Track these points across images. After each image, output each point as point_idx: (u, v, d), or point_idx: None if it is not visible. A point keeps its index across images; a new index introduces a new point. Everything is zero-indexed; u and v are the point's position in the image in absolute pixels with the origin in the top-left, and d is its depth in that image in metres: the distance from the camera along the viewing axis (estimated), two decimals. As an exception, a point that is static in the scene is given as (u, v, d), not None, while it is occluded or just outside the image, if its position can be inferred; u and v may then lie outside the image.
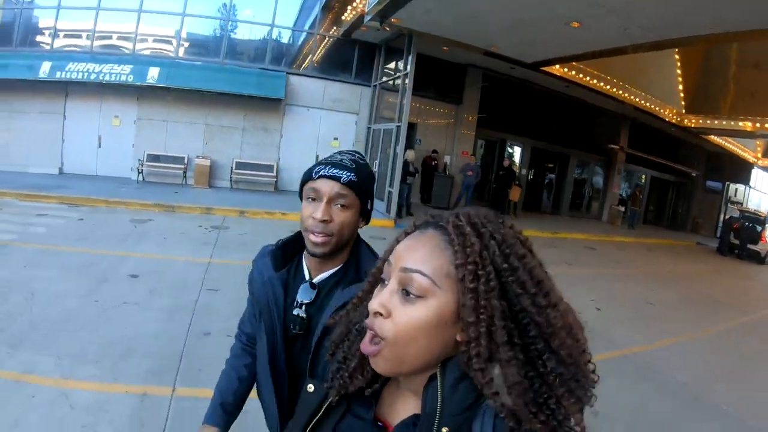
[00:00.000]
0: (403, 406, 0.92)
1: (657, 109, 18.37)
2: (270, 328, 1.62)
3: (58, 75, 13.23)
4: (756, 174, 28.36)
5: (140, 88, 13.89)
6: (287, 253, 1.66)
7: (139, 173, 14.18)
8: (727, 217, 22.52)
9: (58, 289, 5.71)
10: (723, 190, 27.09)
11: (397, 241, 0.92)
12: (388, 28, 12.29)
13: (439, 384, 0.84)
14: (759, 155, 26.00)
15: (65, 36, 14.79)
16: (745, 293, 12.55)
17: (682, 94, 18.81)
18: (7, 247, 7.23)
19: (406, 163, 12.97)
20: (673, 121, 19.26)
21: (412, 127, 14.64)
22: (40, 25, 14.86)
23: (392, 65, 15.19)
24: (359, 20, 12.83)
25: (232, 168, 14.48)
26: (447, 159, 16.68)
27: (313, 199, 1.52)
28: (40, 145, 14.11)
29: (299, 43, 16.04)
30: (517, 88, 17.13)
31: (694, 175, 25.72)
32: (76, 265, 6.62)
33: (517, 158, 20.20)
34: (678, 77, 18.27)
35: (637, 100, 17.35)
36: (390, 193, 12.61)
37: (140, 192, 12.39)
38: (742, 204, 26.38)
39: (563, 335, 0.81)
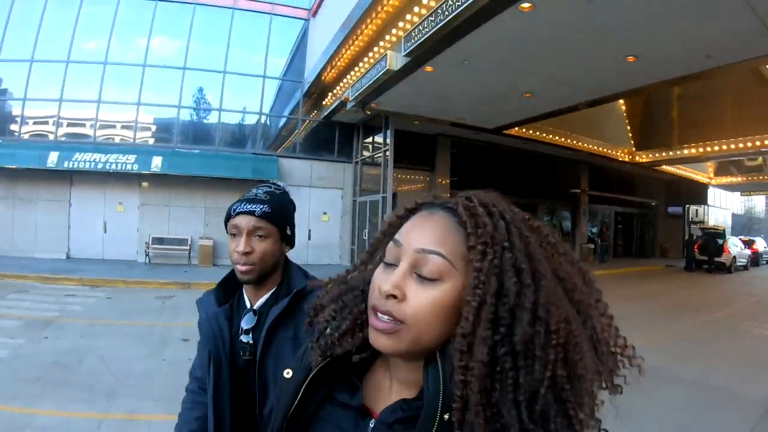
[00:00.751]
0: (388, 392, 0.90)
1: (609, 151, 20.40)
2: (215, 354, 1.73)
3: (66, 165, 14.36)
4: (712, 192, 30.46)
5: (142, 175, 15.15)
6: (228, 289, 1.81)
7: (146, 255, 15.25)
8: (688, 237, 24.40)
9: (126, 353, 6.43)
10: (684, 213, 29.07)
11: (399, 218, 0.90)
12: (368, 112, 14.03)
13: (440, 367, 0.80)
14: (711, 175, 28.30)
15: (68, 125, 16.03)
16: (707, 300, 14.26)
17: (630, 134, 20.96)
18: (55, 323, 8.01)
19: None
20: (626, 159, 21.33)
21: (393, 195, 16.22)
22: (42, 115, 15.96)
23: (370, 141, 16.88)
24: (340, 105, 14.54)
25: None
26: None
27: (234, 235, 1.69)
28: (47, 231, 15.11)
29: (285, 127, 17.71)
30: (483, 151, 18.81)
31: (653, 204, 27.71)
32: (131, 335, 7.40)
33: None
34: (625, 119, 20.44)
35: (590, 146, 19.30)
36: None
37: (152, 272, 13.38)
38: (704, 222, 28.32)
39: (558, 311, 0.75)
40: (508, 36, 8.33)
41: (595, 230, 24.55)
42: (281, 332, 1.63)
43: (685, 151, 20.22)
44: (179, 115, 16.56)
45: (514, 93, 11.78)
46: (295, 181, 16.42)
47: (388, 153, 14.21)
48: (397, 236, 0.86)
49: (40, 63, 15.67)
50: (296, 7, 17.69)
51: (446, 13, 7.74)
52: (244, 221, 1.66)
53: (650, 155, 21.41)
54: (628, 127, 20.93)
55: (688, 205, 29.14)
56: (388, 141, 14.35)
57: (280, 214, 1.72)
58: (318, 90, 16.27)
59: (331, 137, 17.22)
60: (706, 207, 30.51)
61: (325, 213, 16.86)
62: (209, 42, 17.05)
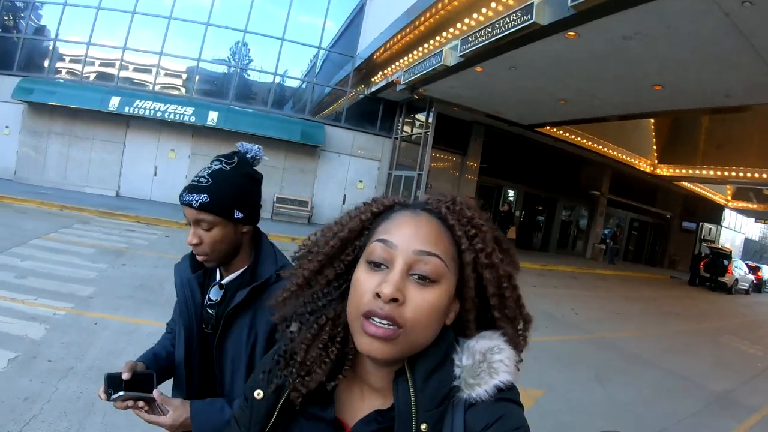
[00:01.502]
0: (361, 403, 0.91)
1: (632, 160, 21.70)
2: (188, 324, 1.71)
3: (126, 110, 15.99)
4: (729, 214, 31.51)
5: (195, 127, 16.66)
6: None
7: None
8: (696, 253, 25.64)
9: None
10: (697, 229, 30.28)
11: (361, 222, 0.93)
12: (415, 96, 15.43)
13: (409, 378, 0.84)
14: (729, 198, 29.37)
15: (130, 71, 17.59)
16: (700, 312, 15.73)
17: (654, 146, 22.19)
18: (126, 253, 9.01)
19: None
20: (647, 170, 22.57)
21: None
22: (106, 59, 17.53)
23: (410, 119, 18.32)
24: (388, 85, 15.97)
25: (273, 202, 17.25)
26: None
27: (188, 224, 1.61)
28: (99, 169, 16.82)
29: (332, 96, 19.22)
30: (513, 142, 20.14)
31: (668, 216, 28.90)
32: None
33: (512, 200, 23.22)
34: (652, 131, 21.64)
35: (614, 153, 20.60)
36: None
37: None
38: (714, 242, 29.47)
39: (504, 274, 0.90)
40: (552, 54, 9.69)
41: (608, 232, 25.75)
42: (240, 318, 1.61)
43: (705, 172, 21.29)
44: (235, 74, 18.04)
45: (551, 99, 13.15)
46: (336, 148, 18.04)
47: (428, 134, 15.58)
48: (385, 236, 0.86)
49: (106, 11, 17.06)
50: None
51: (503, 28, 9.09)
52: (187, 213, 1.60)
53: (671, 170, 22.58)
54: (654, 140, 22.13)
55: (702, 223, 30.24)
56: (430, 122, 15.74)
57: (221, 200, 1.59)
58: (368, 67, 17.61)
59: (375, 111, 18.65)
60: (719, 227, 31.54)
61: (360, 181, 18.41)
62: (270, 6, 18.58)
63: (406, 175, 16.83)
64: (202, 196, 1.55)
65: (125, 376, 1.43)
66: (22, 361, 4.32)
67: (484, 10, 10.28)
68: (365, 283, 0.84)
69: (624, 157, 21.25)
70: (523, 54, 9.84)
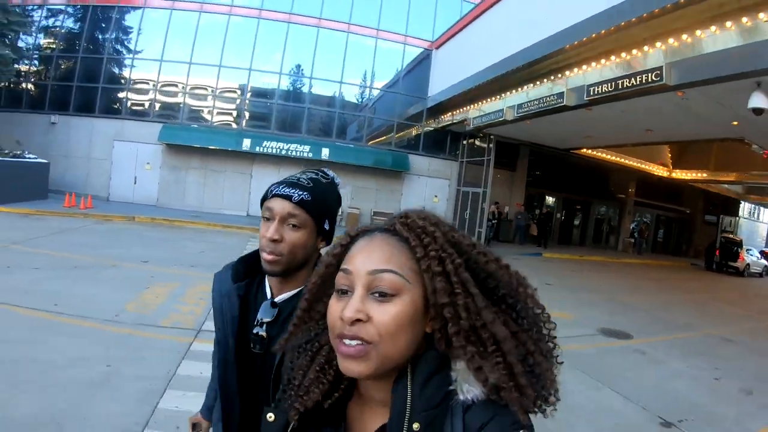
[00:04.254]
0: (372, 418, 1.00)
1: (650, 168, 27.31)
2: (223, 342, 1.71)
3: (256, 149, 21.83)
4: (748, 207, 35.95)
5: (309, 160, 22.16)
6: (248, 268, 1.75)
7: None
8: (712, 242, 29.88)
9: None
10: (718, 222, 33.24)
11: (334, 257, 1.03)
12: (480, 135, 21.83)
13: (408, 380, 0.92)
14: (743, 193, 33.92)
15: (251, 117, 23.87)
16: (705, 287, 19.96)
17: (669, 155, 27.63)
18: None
19: (489, 213, 22.22)
20: (665, 175, 28.09)
21: (485, 187, 23.91)
22: (228, 108, 23.73)
23: (471, 145, 24.38)
24: (457, 124, 22.21)
25: (371, 216, 23.39)
26: (506, 209, 25.47)
27: (267, 219, 1.61)
28: (231, 195, 22.59)
29: (412, 132, 25.40)
30: (552, 159, 26.09)
31: (689, 212, 34.05)
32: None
33: (552, 206, 29.34)
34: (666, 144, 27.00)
35: (634, 164, 26.34)
36: (479, 231, 21.80)
37: None
38: (733, 233, 33.18)
39: (525, 286, 0.98)
40: (577, 116, 15.71)
41: (635, 227, 30.92)
42: None
43: (716, 176, 25.94)
44: (336, 117, 24.45)
45: (578, 136, 19.63)
46: (416, 171, 24.33)
47: (489, 159, 21.78)
48: (345, 265, 0.96)
49: (226, 68, 23.29)
50: (421, 39, 24.99)
51: (544, 104, 15.19)
52: (278, 205, 1.59)
53: (686, 174, 27.53)
54: (668, 149, 27.35)
55: (722, 216, 33.45)
56: (491, 152, 21.96)
57: (320, 204, 1.63)
58: (438, 107, 23.60)
59: (443, 140, 24.85)
60: (737, 219, 36.21)
61: (436, 196, 24.70)
62: (358, 63, 24.96)
63: (472, 191, 22.90)
64: (304, 193, 1.59)
65: None
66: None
67: (532, 85, 16.31)
68: (333, 309, 0.94)
69: (642, 166, 26.72)
70: (557, 116, 15.90)
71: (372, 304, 0.91)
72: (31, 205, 17.36)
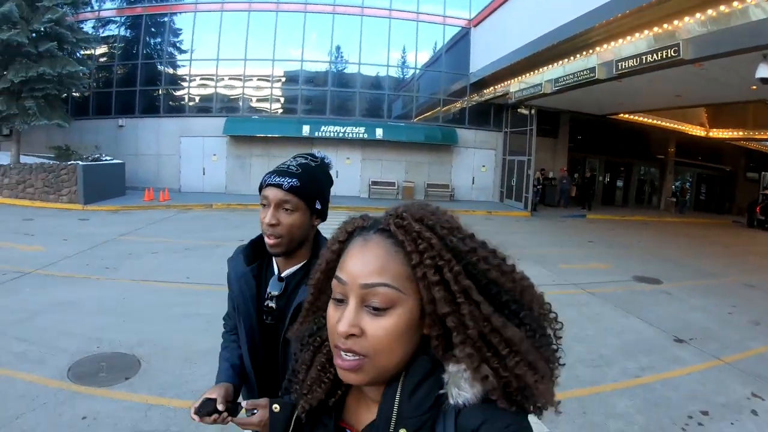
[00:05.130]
0: (367, 411, 1.03)
1: (687, 128, 28.29)
2: (247, 319, 1.89)
3: (315, 134, 23.81)
4: None
5: (364, 140, 24.53)
6: (257, 250, 1.96)
7: (368, 192, 25.35)
8: (752, 199, 30.13)
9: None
10: (759, 178, 34.89)
11: (334, 253, 1.03)
12: (522, 106, 23.77)
13: (399, 387, 0.94)
14: None
15: (308, 103, 25.99)
16: (740, 242, 20.29)
17: (705, 115, 28.46)
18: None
19: (534, 179, 24.16)
20: (702, 135, 28.99)
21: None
22: (288, 96, 26.08)
23: (515, 115, 26.10)
24: (499, 97, 24.21)
25: (425, 187, 25.66)
26: (551, 173, 27.09)
27: (264, 205, 1.80)
28: None
29: (455, 105, 27.36)
30: (593, 124, 27.51)
31: (730, 170, 34.47)
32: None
33: (595, 168, 30.94)
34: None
35: (671, 125, 27.55)
36: (526, 197, 23.81)
37: (372, 203, 22.22)
38: None
39: (531, 291, 0.98)
40: (609, 86, 17.36)
41: (677, 187, 31.90)
42: None
43: (754, 133, 26.57)
44: (386, 98, 26.63)
45: (613, 102, 21.46)
46: (464, 144, 26.35)
47: (532, 129, 23.61)
48: (339, 273, 0.95)
49: (279, 61, 25.64)
50: (459, 18, 26.88)
51: (579, 77, 17.05)
52: (272, 193, 1.77)
53: (723, 132, 28.09)
54: (704, 109, 27.76)
55: (764, 172, 34.88)
56: (533, 121, 23.69)
57: (309, 188, 1.79)
58: (480, 82, 25.49)
59: (488, 112, 26.75)
60: None
61: (483, 166, 26.77)
62: (401, 45, 27.00)
63: (518, 160, 24.75)
64: (293, 180, 1.76)
65: (220, 407, 1.59)
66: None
67: (566, 60, 18.17)
68: (331, 318, 0.96)
69: (679, 126, 27.68)
70: (592, 87, 17.73)
71: (366, 318, 0.92)
72: (115, 201, 19.76)
